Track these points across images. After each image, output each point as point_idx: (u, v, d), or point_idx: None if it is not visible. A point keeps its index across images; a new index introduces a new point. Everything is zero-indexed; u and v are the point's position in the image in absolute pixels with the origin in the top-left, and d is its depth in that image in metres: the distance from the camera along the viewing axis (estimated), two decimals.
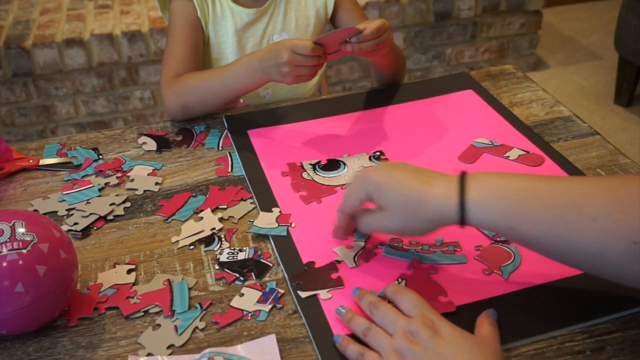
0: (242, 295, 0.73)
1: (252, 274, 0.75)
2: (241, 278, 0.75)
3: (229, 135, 1.01)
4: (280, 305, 0.71)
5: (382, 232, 0.73)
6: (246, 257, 0.77)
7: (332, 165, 0.93)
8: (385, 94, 1.11)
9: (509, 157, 0.92)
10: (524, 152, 0.93)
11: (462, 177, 0.65)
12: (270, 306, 0.71)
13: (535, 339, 0.66)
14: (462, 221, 0.64)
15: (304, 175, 0.91)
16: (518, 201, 0.62)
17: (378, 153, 0.95)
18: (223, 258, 0.77)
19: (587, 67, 2.72)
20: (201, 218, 0.84)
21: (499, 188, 0.63)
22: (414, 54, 2.50)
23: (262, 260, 0.77)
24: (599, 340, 0.66)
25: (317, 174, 0.91)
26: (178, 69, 1.07)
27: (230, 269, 0.76)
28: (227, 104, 1.06)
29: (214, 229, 0.81)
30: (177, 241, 0.80)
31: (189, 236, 0.81)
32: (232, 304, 0.72)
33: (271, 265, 0.76)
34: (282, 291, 0.73)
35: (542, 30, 2.64)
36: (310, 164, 0.93)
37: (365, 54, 0.95)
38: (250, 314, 0.70)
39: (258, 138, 1.00)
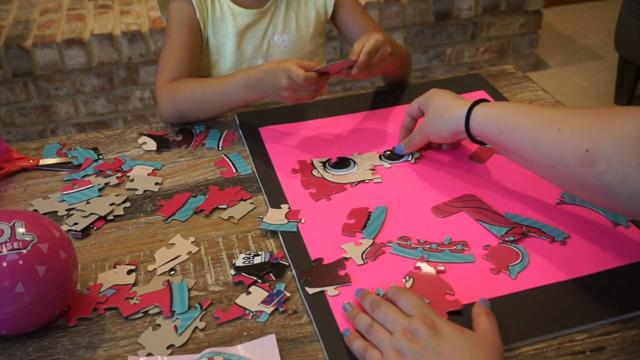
0: (249, 293, 0.73)
1: (271, 274, 0.75)
2: (259, 280, 0.75)
3: (241, 132, 1.02)
4: (283, 309, 0.71)
5: (420, 135, 0.91)
6: (262, 260, 0.77)
7: (342, 163, 0.93)
8: (396, 93, 1.11)
9: None
10: None
11: (480, 99, 0.85)
12: (272, 308, 0.71)
13: (536, 339, 0.66)
14: (467, 123, 0.82)
15: (314, 172, 0.92)
16: (509, 113, 0.78)
17: (388, 152, 0.95)
18: (239, 263, 0.77)
19: (587, 67, 2.72)
20: (173, 244, 0.81)
21: (499, 105, 0.82)
22: (414, 54, 2.50)
23: (280, 262, 0.77)
24: (599, 340, 0.66)
25: (327, 171, 0.92)
26: (174, 72, 1.07)
27: (248, 272, 0.76)
28: (224, 113, 1.06)
29: (190, 252, 0.79)
30: (155, 269, 0.77)
31: (165, 263, 0.78)
32: (237, 301, 0.72)
33: (287, 264, 0.77)
34: (288, 294, 0.73)
35: (542, 30, 2.64)
36: (321, 162, 0.94)
37: (366, 76, 0.96)
38: (251, 314, 0.71)
39: (269, 135, 1.01)
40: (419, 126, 0.91)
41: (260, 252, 0.79)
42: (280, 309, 0.71)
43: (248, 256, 0.78)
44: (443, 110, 0.86)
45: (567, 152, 0.69)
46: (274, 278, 0.75)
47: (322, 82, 0.94)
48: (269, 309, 0.71)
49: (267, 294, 0.73)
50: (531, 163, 0.76)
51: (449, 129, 0.85)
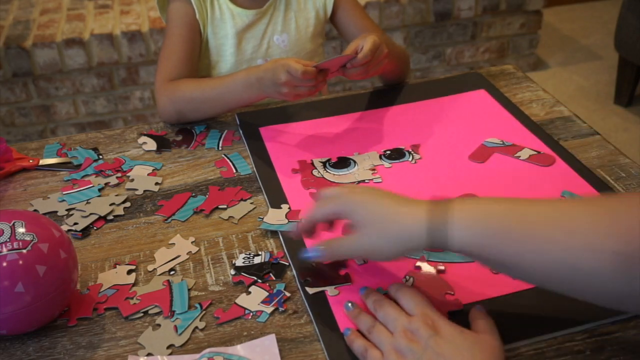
0: (249, 293, 0.73)
1: (271, 274, 0.75)
2: (259, 280, 0.75)
3: (241, 132, 1.02)
4: (283, 309, 0.71)
5: (349, 254, 0.71)
6: (262, 260, 0.77)
7: (343, 163, 0.93)
8: (397, 93, 1.11)
9: (519, 157, 0.92)
10: (535, 152, 0.93)
11: (444, 200, 0.64)
12: (272, 308, 0.71)
13: (536, 339, 0.66)
14: (436, 242, 0.62)
15: (314, 172, 0.92)
16: (498, 220, 0.61)
17: (389, 152, 0.95)
18: (239, 263, 0.77)
19: (587, 67, 2.72)
20: (173, 244, 0.81)
21: (480, 211, 0.62)
22: (414, 54, 2.50)
23: (280, 262, 0.77)
24: (599, 340, 0.66)
25: (327, 171, 0.92)
26: (173, 72, 1.07)
27: (247, 272, 0.76)
28: (224, 113, 1.06)
29: (190, 252, 0.79)
30: (155, 269, 0.77)
31: (165, 263, 0.78)
32: (237, 301, 0.72)
33: (287, 264, 0.77)
34: (288, 294, 0.73)
35: (542, 30, 2.64)
36: (321, 162, 0.94)
37: (362, 76, 0.96)
38: (251, 314, 0.71)
39: (269, 135, 1.01)
40: (345, 237, 0.69)
41: (260, 252, 0.79)
42: (280, 309, 0.71)
43: (248, 256, 0.78)
44: (384, 224, 0.64)
45: (587, 259, 0.56)
46: (274, 278, 0.75)
47: (321, 78, 0.94)
48: (269, 309, 0.71)
49: (267, 294, 0.73)
50: (536, 279, 0.62)
51: (397, 249, 0.65)
